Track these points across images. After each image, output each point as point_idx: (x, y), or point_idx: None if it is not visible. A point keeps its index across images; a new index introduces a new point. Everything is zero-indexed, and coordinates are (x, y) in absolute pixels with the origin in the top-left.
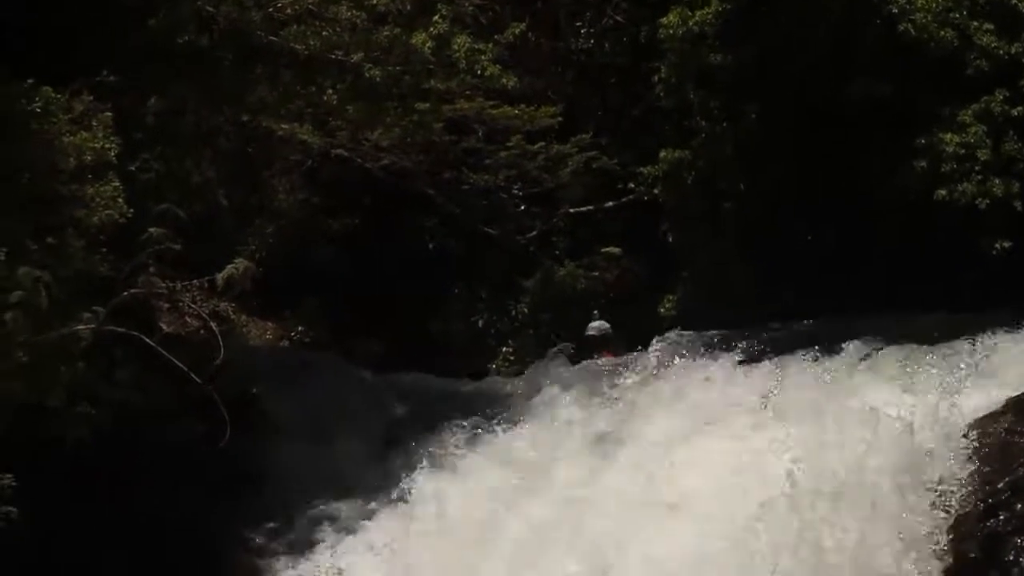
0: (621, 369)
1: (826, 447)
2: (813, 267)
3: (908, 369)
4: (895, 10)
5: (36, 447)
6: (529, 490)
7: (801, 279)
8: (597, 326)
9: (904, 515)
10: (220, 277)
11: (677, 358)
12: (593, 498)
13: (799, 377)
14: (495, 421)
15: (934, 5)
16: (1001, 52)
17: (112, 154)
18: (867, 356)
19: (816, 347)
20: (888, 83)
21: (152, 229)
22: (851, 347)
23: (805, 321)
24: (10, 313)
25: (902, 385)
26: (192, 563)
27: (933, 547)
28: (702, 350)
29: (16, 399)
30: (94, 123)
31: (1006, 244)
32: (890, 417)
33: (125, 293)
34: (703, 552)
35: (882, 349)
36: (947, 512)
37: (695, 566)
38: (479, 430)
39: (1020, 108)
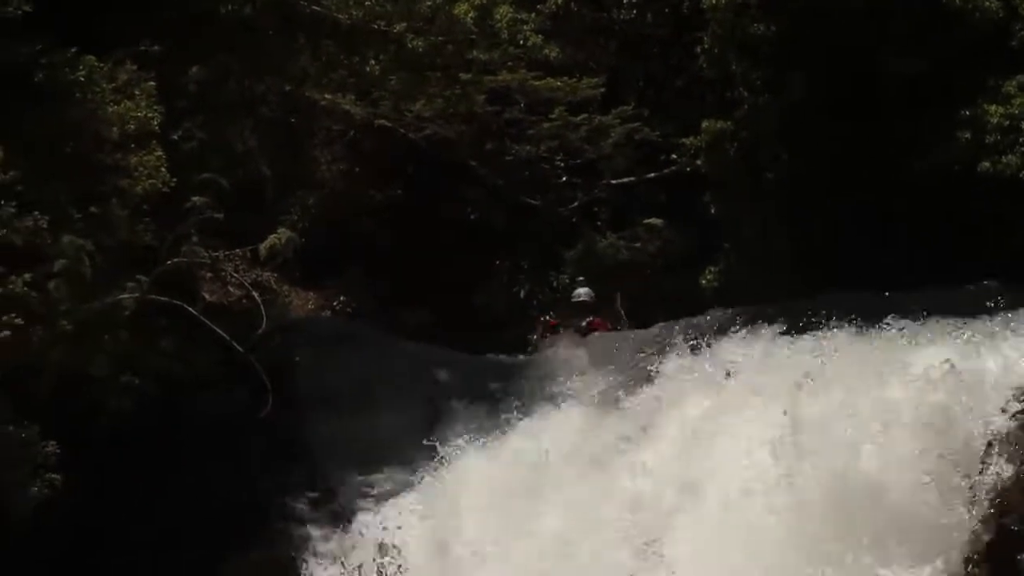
0: (666, 344)
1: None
2: (854, 239)
3: (956, 338)
4: None
5: (80, 415)
6: (571, 462)
7: (842, 251)
8: (584, 292)
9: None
10: (262, 247)
11: (717, 332)
12: (640, 470)
13: (844, 347)
14: (537, 393)
15: None
16: None
17: (155, 123)
18: (911, 327)
19: (858, 319)
20: (929, 54)
21: (195, 198)
22: (894, 318)
23: (847, 293)
24: (54, 282)
25: (951, 351)
26: (235, 532)
27: None
28: (743, 322)
29: (60, 368)
30: (137, 92)
31: None
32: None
33: (168, 262)
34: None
35: (926, 320)
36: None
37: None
38: (520, 402)
39: None
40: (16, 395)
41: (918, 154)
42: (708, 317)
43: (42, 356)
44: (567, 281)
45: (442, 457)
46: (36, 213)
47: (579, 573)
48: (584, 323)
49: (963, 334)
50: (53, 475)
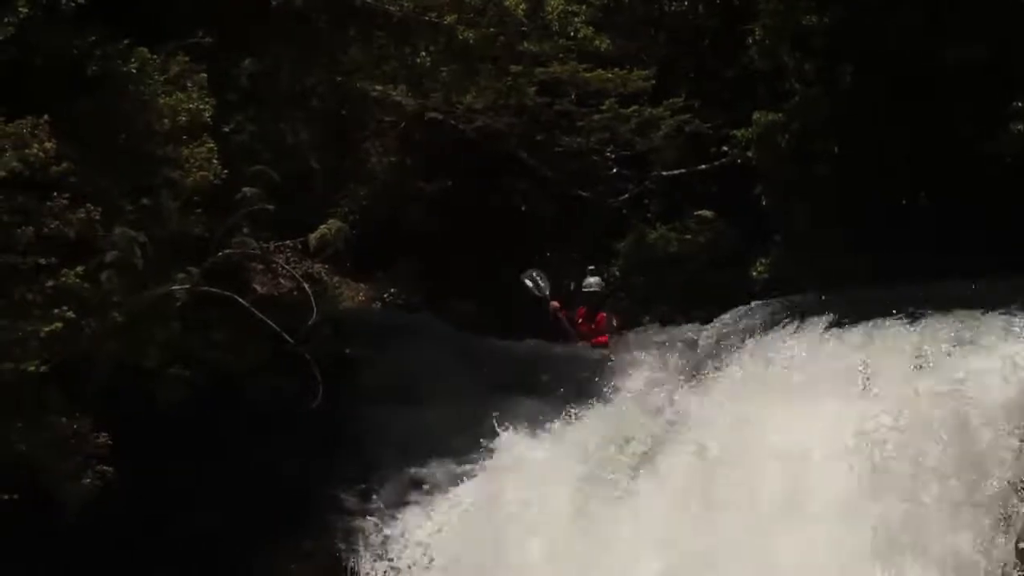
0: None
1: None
2: (906, 232)
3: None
4: None
5: (132, 407)
6: (620, 459)
7: (894, 244)
8: (595, 281)
9: None
10: (313, 238)
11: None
12: (686, 468)
13: (893, 341)
14: (588, 387)
15: None
16: None
17: (207, 115)
18: (963, 321)
19: (910, 312)
20: (985, 44)
21: (246, 190)
22: (944, 312)
23: (898, 287)
24: (106, 273)
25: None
26: (285, 523)
27: None
28: (793, 313)
29: (112, 359)
30: (189, 84)
31: None
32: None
33: (219, 254)
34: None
35: (981, 315)
36: None
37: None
38: (572, 395)
39: None
40: (68, 387)
41: (976, 143)
42: (756, 309)
43: (94, 348)
44: (617, 273)
45: (492, 449)
46: (88, 205)
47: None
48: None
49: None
50: (105, 467)
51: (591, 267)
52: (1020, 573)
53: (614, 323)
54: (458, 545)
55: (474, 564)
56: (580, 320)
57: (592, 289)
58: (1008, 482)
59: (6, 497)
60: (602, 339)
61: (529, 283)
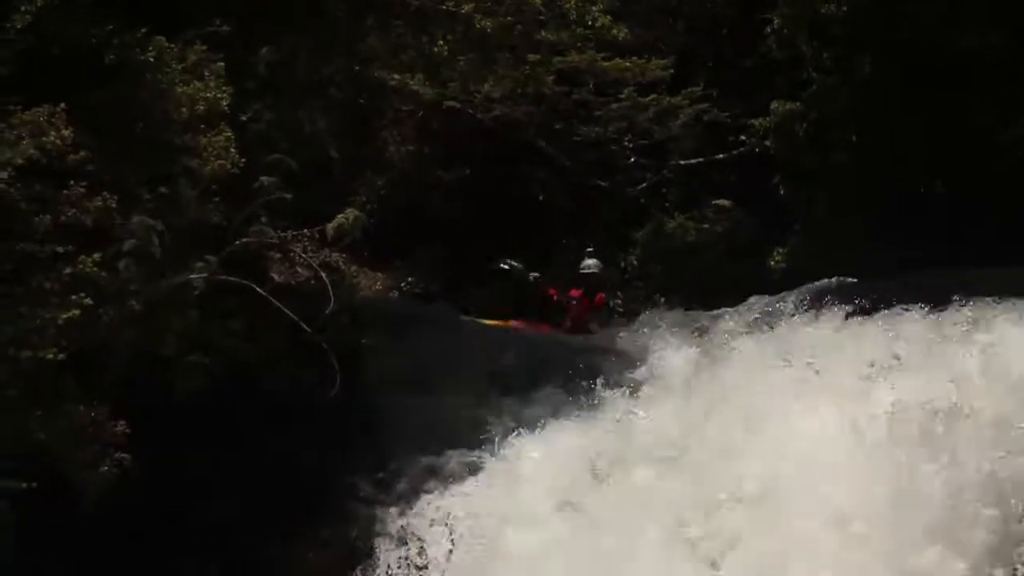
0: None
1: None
2: (924, 220)
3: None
4: None
5: (149, 395)
6: (635, 447)
7: (912, 232)
8: (593, 263)
9: None
10: (331, 227)
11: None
12: (703, 457)
13: (912, 328)
14: (605, 376)
15: None
16: None
17: (224, 104)
18: (981, 310)
19: (928, 301)
20: (1001, 32)
21: (263, 179)
22: (964, 301)
23: (916, 275)
24: (123, 261)
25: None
26: (303, 512)
27: None
28: (811, 302)
29: (130, 348)
30: (207, 73)
31: None
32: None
33: (237, 243)
34: None
35: (998, 303)
36: None
37: None
38: (590, 384)
39: None
40: (86, 375)
41: (988, 135)
42: (774, 298)
43: (112, 336)
44: (635, 262)
45: (509, 439)
46: (106, 193)
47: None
48: (575, 300)
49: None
50: (123, 454)
51: (589, 249)
52: None
53: (614, 304)
54: (472, 533)
55: (491, 554)
56: (573, 301)
57: (590, 271)
58: None
59: (24, 486)
60: (582, 314)
61: (506, 267)
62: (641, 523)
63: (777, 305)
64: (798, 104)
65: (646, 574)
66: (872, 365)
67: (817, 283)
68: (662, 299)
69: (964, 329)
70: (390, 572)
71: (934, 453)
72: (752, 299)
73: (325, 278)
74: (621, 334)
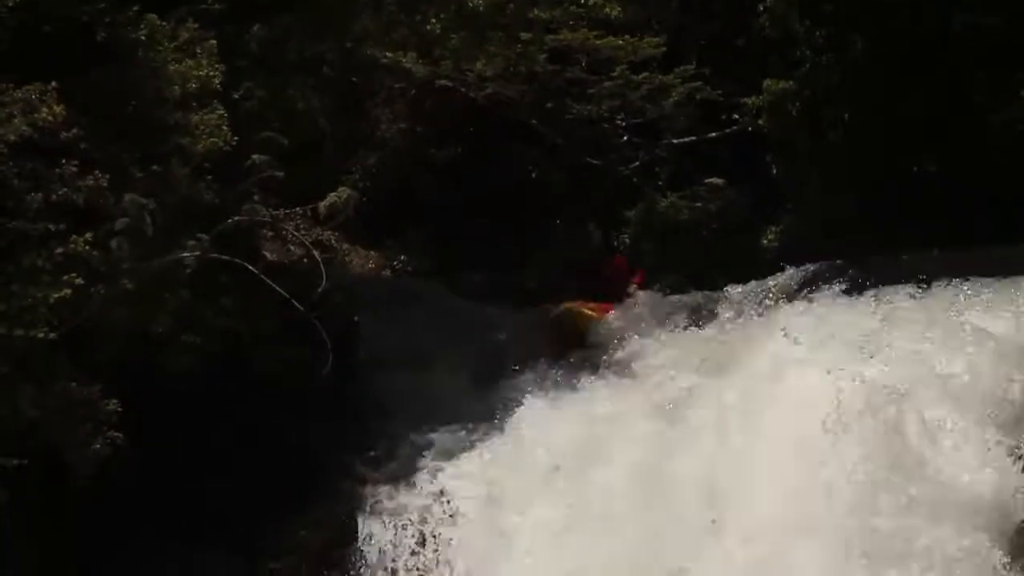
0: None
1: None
2: (917, 200)
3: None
4: None
5: (142, 374)
6: (628, 421)
7: (905, 212)
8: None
9: None
10: (323, 205)
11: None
12: (695, 428)
13: (903, 307)
14: (598, 353)
15: None
16: None
17: (216, 82)
18: (972, 288)
19: (919, 279)
20: (1002, 9)
21: (256, 157)
22: (955, 279)
23: (908, 254)
24: (115, 240)
25: (1012, 312)
26: (296, 488)
27: None
28: (804, 282)
29: (122, 327)
30: (199, 51)
31: None
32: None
33: (229, 221)
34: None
35: (990, 282)
36: None
37: None
38: (582, 361)
39: None
40: (78, 354)
41: (981, 114)
42: (769, 279)
43: (104, 315)
44: (627, 241)
45: (500, 416)
46: (98, 172)
47: (641, 531)
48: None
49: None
50: (115, 433)
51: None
52: None
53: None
54: (464, 510)
55: (484, 531)
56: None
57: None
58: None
59: (16, 463)
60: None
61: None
62: (638, 492)
63: (770, 285)
64: (791, 83)
65: (641, 542)
66: (862, 345)
67: (809, 262)
68: (655, 280)
69: (953, 308)
70: (382, 549)
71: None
72: (751, 284)
73: (317, 256)
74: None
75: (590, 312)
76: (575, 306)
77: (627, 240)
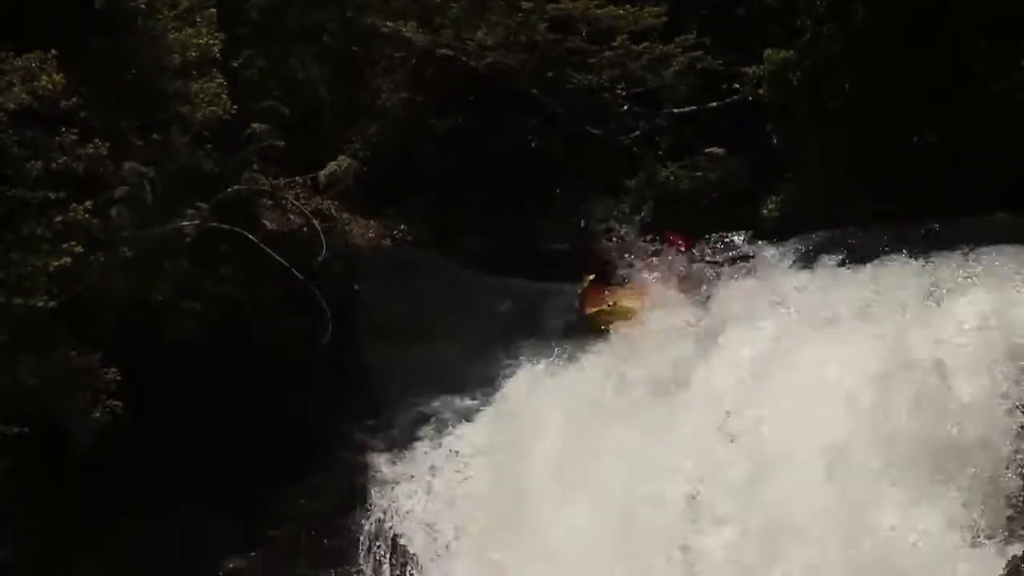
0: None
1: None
2: (918, 169)
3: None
4: None
5: (141, 342)
6: (623, 393)
7: (905, 181)
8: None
9: None
10: (323, 174)
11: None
12: (690, 402)
13: (901, 277)
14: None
15: None
16: None
17: (216, 50)
18: (972, 257)
19: (919, 248)
20: None
21: (255, 126)
22: (956, 249)
23: (909, 223)
24: (115, 208)
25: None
26: (296, 457)
27: None
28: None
29: (121, 295)
30: (198, 19)
31: None
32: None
33: (229, 190)
34: None
35: (990, 251)
36: None
37: None
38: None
39: None
40: (78, 322)
41: (983, 84)
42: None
43: (104, 283)
44: (627, 211)
45: (499, 386)
46: (97, 140)
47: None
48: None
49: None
50: (115, 401)
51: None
52: None
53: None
54: (464, 479)
55: (484, 499)
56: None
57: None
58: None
59: (16, 431)
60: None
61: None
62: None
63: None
64: (792, 52)
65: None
66: (862, 313)
67: (810, 232)
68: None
69: (955, 277)
70: (381, 518)
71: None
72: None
73: (317, 225)
74: None
75: (621, 312)
76: (602, 309)
77: (627, 210)
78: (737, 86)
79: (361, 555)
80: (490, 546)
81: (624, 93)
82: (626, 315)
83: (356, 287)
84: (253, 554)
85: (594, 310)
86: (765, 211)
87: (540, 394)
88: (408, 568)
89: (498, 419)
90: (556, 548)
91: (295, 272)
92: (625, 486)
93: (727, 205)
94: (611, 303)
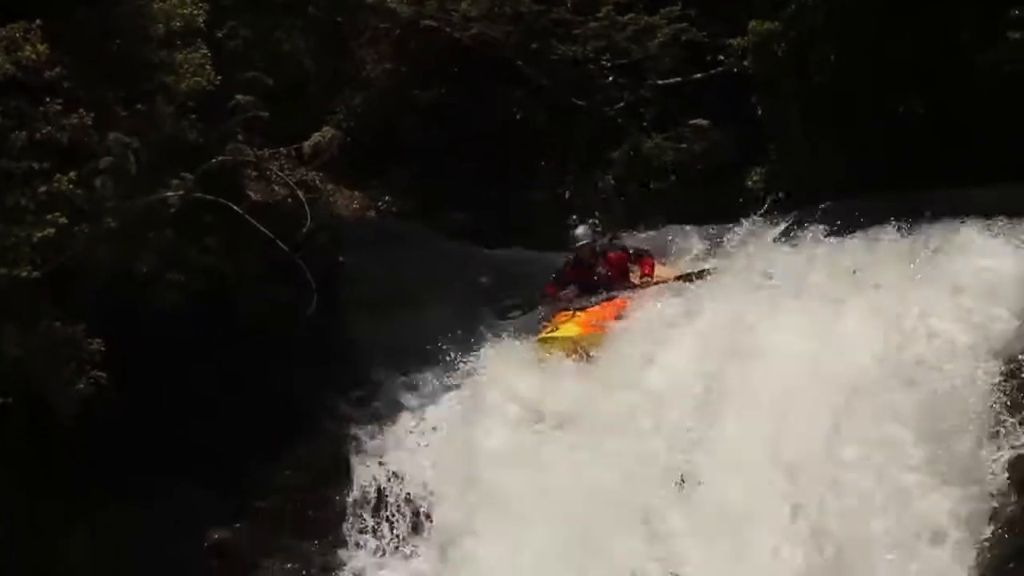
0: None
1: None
2: (904, 141)
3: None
4: None
5: (125, 313)
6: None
7: (892, 153)
8: (582, 232)
9: None
10: (307, 145)
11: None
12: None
13: (889, 249)
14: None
15: None
16: None
17: (200, 21)
18: (959, 229)
19: (906, 220)
20: None
21: (240, 96)
22: (943, 220)
23: (895, 195)
24: (99, 179)
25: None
26: (280, 429)
27: None
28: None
29: (106, 266)
30: None
31: None
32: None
33: (213, 160)
34: None
35: (981, 222)
36: None
37: None
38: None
39: None
40: (62, 293)
41: (969, 54)
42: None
43: (88, 253)
44: (612, 182)
45: (484, 357)
46: (82, 110)
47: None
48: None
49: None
50: (99, 372)
51: (573, 217)
52: None
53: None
54: (447, 450)
55: (467, 469)
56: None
57: (584, 240)
58: None
59: (1, 401)
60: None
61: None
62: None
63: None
64: (777, 24)
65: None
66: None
67: (794, 203)
68: (639, 220)
69: (937, 249)
70: (365, 489)
71: None
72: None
73: (302, 196)
74: None
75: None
76: (543, 337)
77: (611, 181)
78: (722, 58)
79: (346, 526)
80: (471, 515)
81: (609, 64)
82: (568, 344)
83: (341, 259)
84: (238, 525)
85: (540, 336)
86: (750, 183)
87: (520, 367)
88: (393, 538)
89: (478, 392)
90: (526, 510)
91: (280, 243)
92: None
93: (712, 178)
94: (555, 328)
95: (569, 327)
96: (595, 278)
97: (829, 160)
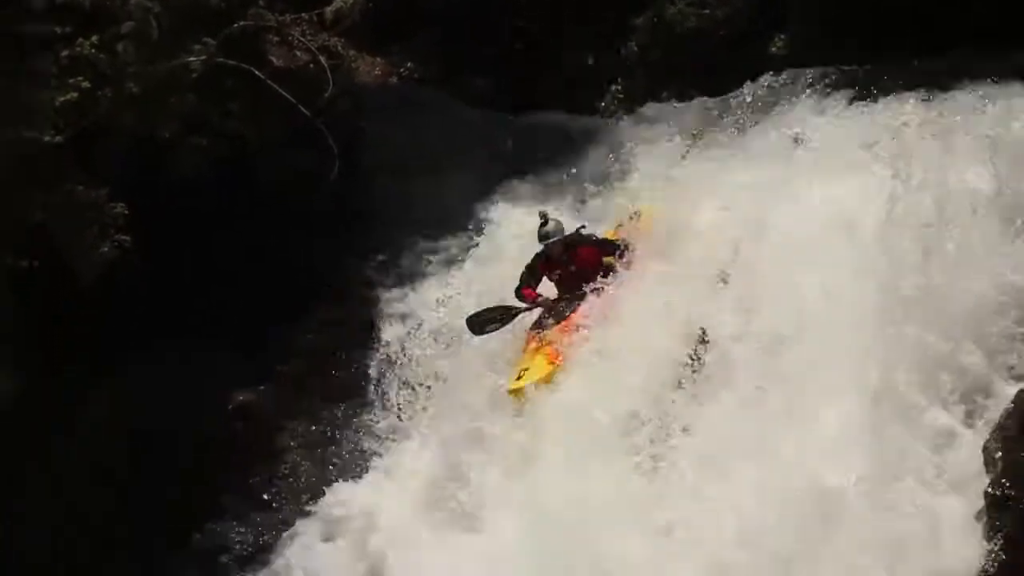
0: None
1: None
2: (927, 5)
3: None
4: None
5: (149, 177)
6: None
7: (917, 15)
8: (552, 228)
9: None
10: (329, 11)
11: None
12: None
13: (915, 113)
14: (604, 159)
15: None
16: None
17: None
18: (988, 92)
19: (933, 85)
20: None
21: None
22: (970, 84)
23: (918, 60)
24: (122, 43)
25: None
26: (304, 292)
27: None
28: (814, 87)
29: (128, 131)
30: None
31: None
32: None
33: (235, 25)
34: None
35: (998, 86)
36: None
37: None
38: (587, 168)
39: None
40: (85, 157)
41: None
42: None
43: (110, 118)
44: (635, 48)
45: (503, 223)
46: None
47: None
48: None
49: None
50: (123, 236)
51: (541, 210)
52: None
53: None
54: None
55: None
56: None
57: (554, 238)
58: None
59: (25, 264)
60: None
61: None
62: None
63: (781, 90)
64: None
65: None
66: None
67: (819, 69)
68: (663, 87)
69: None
70: (389, 347)
71: None
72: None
73: (324, 62)
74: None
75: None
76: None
77: (634, 48)
78: None
79: (371, 389)
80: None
81: None
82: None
83: (362, 124)
84: (262, 387)
85: (510, 387)
86: (773, 49)
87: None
88: (417, 401)
89: (496, 257)
90: None
91: (301, 108)
92: None
93: (734, 43)
94: (523, 370)
95: (537, 365)
96: (571, 270)
97: (854, 25)
